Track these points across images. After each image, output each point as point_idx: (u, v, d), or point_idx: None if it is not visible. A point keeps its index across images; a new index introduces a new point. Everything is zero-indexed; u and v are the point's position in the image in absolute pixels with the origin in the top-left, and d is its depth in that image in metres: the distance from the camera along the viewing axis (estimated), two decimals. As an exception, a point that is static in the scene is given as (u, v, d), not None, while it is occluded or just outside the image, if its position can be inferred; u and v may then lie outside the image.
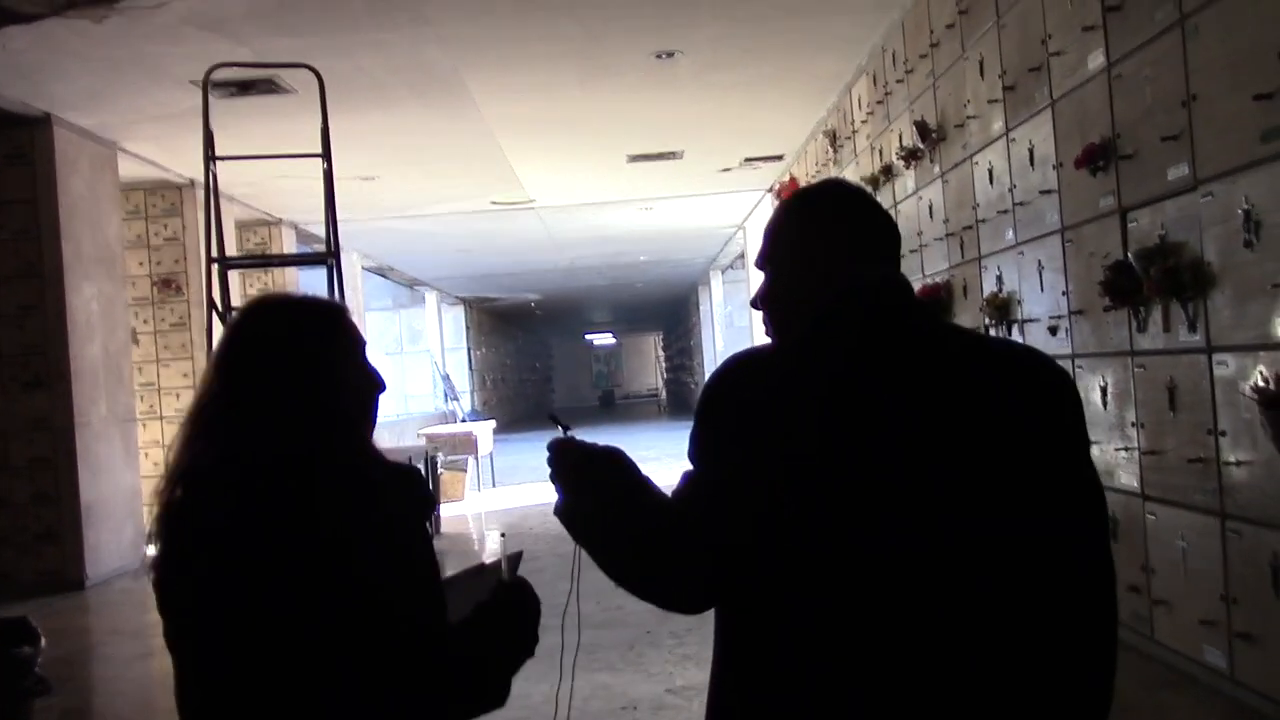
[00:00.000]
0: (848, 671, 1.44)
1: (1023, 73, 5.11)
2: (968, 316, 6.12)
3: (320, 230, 14.54)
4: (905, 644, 1.43)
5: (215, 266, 5.25)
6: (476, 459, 13.50)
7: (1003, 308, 5.53)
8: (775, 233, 1.69)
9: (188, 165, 10.27)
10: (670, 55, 7.73)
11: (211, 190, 5.35)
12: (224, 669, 1.61)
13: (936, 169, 6.54)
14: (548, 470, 1.66)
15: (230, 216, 11.66)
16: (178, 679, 1.68)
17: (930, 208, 6.72)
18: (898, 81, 7.20)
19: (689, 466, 1.60)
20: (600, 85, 8.42)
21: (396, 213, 13.64)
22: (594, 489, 1.62)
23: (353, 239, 15.55)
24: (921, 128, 6.52)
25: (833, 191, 1.73)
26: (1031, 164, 5.10)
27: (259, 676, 1.58)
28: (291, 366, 1.72)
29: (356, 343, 1.81)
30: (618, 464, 1.63)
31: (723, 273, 24.13)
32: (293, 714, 1.58)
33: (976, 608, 1.44)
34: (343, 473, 1.67)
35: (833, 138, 9.41)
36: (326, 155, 5.48)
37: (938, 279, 6.60)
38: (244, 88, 7.80)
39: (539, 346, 41.96)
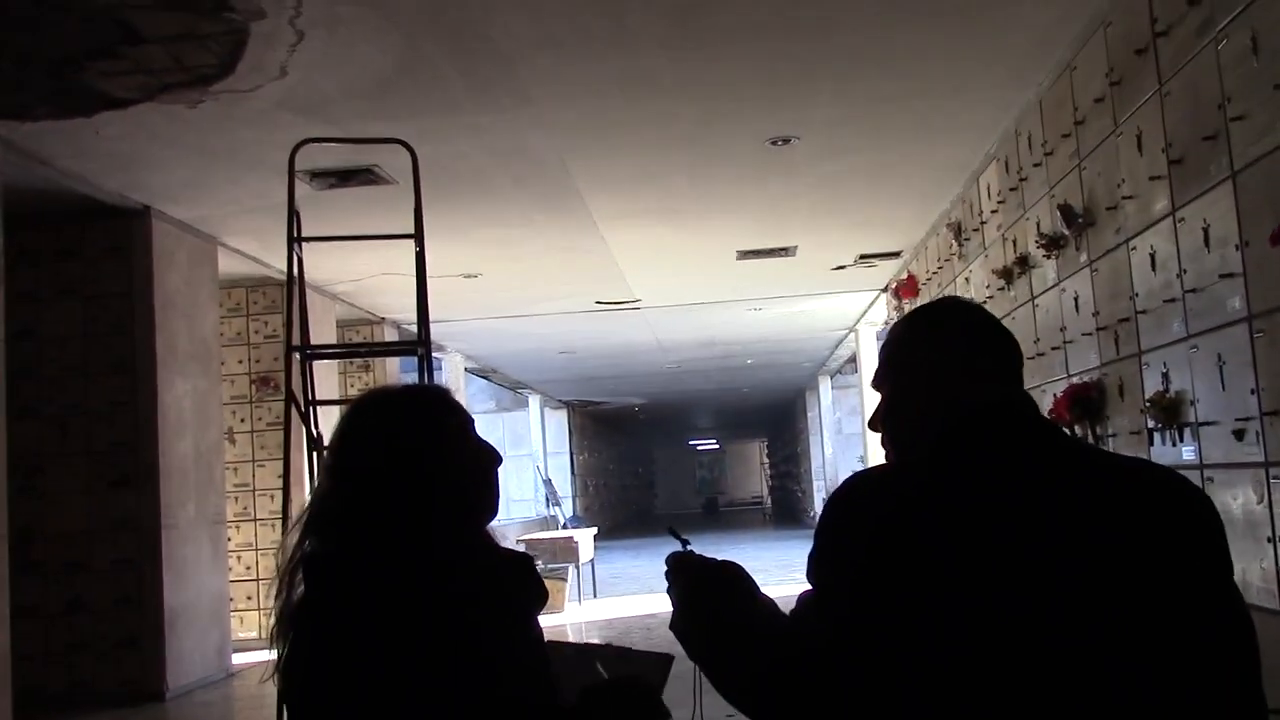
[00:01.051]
0: None
1: (1193, 144, 4.53)
2: (1125, 419, 5.46)
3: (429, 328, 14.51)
4: None
5: (296, 356, 4.85)
6: (578, 567, 12.97)
7: (1171, 409, 4.87)
8: (893, 351, 1.68)
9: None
10: (785, 141, 7.29)
11: (296, 275, 4.98)
12: None
13: (1083, 257, 5.94)
14: (665, 584, 1.66)
15: (331, 315, 11.51)
16: None
17: (1076, 300, 6.10)
18: (1034, 165, 6.65)
19: (806, 586, 1.53)
20: (711, 174, 8.02)
21: (499, 312, 13.38)
22: (710, 606, 1.59)
23: (455, 339, 15.36)
24: (1066, 212, 5.94)
25: (951, 307, 1.71)
26: (1206, 245, 4.48)
27: None
28: (394, 458, 1.74)
29: (464, 421, 1.83)
30: (735, 581, 1.61)
31: (832, 378, 23.50)
32: None
33: None
34: (455, 562, 1.70)
35: (957, 230, 8.84)
36: (419, 235, 5.11)
37: (1087, 378, 5.95)
38: (344, 178, 7.55)
39: (642, 451, 41.58)
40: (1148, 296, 5.11)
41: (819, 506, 25.67)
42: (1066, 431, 1.91)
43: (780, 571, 12.81)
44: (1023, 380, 1.63)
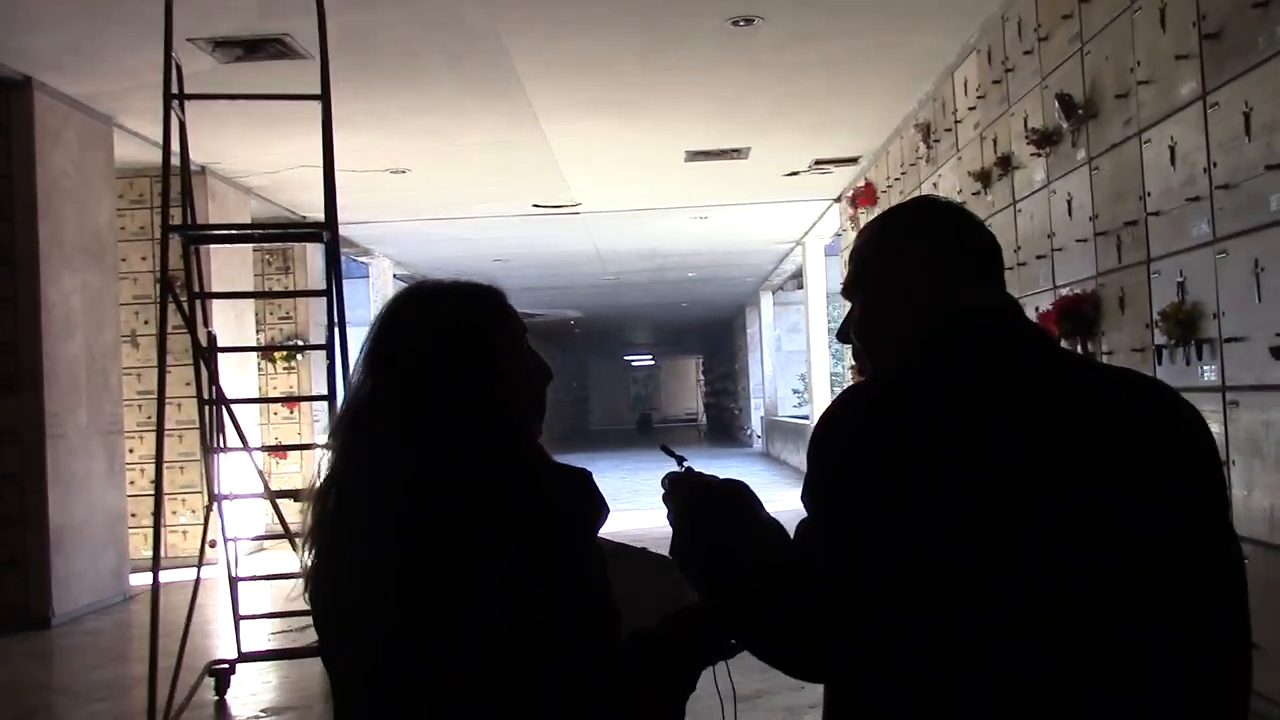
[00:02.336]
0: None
1: (1236, 13, 3.90)
2: (1126, 335, 4.89)
3: (352, 231, 13.62)
4: (1050, 700, 1.31)
5: (177, 239, 4.09)
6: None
7: (1188, 323, 4.29)
8: (866, 256, 1.58)
9: (199, 148, 9.21)
10: (749, 22, 6.55)
11: (176, 144, 4.20)
12: (385, 686, 1.51)
13: (1081, 154, 5.32)
14: (664, 508, 1.59)
15: (245, 212, 10.62)
16: (335, 697, 1.62)
17: (1070, 203, 5.49)
18: (1025, 53, 5.98)
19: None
20: (665, 60, 7.25)
21: (430, 214, 12.56)
22: (711, 531, 1.50)
23: (383, 243, 14.52)
24: (1065, 103, 5.30)
25: (928, 207, 1.61)
26: (1248, 133, 3.87)
27: (426, 691, 1.49)
28: (457, 360, 1.59)
29: (521, 328, 1.69)
30: (739, 504, 1.52)
31: (774, 294, 22.94)
32: None
33: (1119, 665, 1.32)
34: (515, 478, 1.54)
35: (926, 131, 8.19)
36: (325, 96, 4.34)
37: (1079, 289, 5.37)
38: (251, 49, 6.70)
39: (577, 366, 41.04)
40: (1163, 196, 4.51)
41: (756, 424, 25.33)
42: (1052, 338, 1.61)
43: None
44: (1003, 282, 1.54)
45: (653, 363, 46.25)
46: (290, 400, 11.79)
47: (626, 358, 44.75)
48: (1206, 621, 1.37)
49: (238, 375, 10.35)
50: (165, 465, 9.77)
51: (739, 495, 1.53)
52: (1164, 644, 1.34)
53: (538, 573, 1.47)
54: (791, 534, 1.44)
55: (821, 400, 16.00)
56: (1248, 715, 1.42)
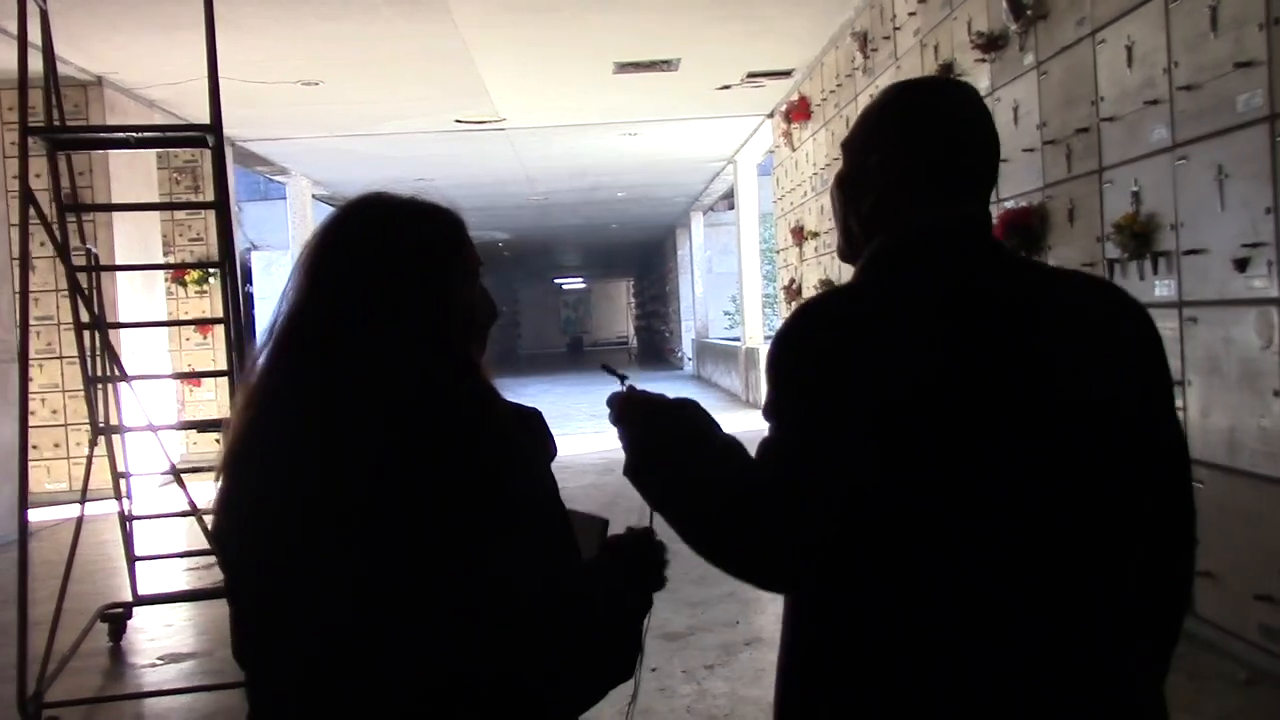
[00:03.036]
0: (971, 630, 1.35)
1: (1203, -102, 3.61)
2: (1075, 249, 4.65)
3: (265, 148, 13.00)
4: (1027, 595, 1.35)
5: (37, 142, 3.65)
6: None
7: (1143, 236, 4.06)
8: (862, 130, 1.54)
9: (94, 56, 8.62)
10: (679, -82, 6.14)
11: (44, 45, 3.74)
12: (293, 631, 1.38)
13: (1029, 59, 5.04)
14: (613, 427, 1.53)
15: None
16: (235, 638, 1.46)
17: (1015, 111, 5.22)
18: (970, -48, 5.67)
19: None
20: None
21: (346, 130, 12.00)
22: (670, 443, 1.46)
23: (298, 161, 13.94)
24: (1013, 2, 5.00)
25: (930, 95, 1.55)
26: (1214, 27, 3.60)
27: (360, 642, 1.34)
28: (415, 278, 1.46)
29: (475, 260, 1.55)
30: (694, 416, 1.48)
31: (705, 214, 22.60)
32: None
33: (1088, 545, 1.38)
34: (471, 408, 1.41)
35: (863, 40, 7.86)
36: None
37: (1024, 202, 5.12)
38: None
39: (505, 289, 40.51)
40: (1118, 100, 4.25)
41: (687, 347, 25.13)
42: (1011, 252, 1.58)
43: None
44: (992, 186, 1.53)
45: (584, 286, 45.82)
46: (193, 324, 11.27)
47: (557, 281, 44.26)
48: (1155, 509, 1.47)
49: (145, 299, 9.85)
50: (68, 395, 9.34)
51: (694, 412, 1.49)
52: (1117, 532, 1.40)
53: (509, 510, 1.38)
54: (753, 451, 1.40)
55: (754, 322, 15.78)
56: (1189, 600, 1.53)
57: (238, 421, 1.45)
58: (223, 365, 11.55)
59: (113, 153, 8.87)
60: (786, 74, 10.21)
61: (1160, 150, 3.95)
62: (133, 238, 9.53)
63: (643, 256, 34.40)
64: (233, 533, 1.46)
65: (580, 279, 44.62)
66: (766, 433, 1.39)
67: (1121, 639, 1.40)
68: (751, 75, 10.27)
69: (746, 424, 12.45)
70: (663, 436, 1.47)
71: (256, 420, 1.43)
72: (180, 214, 11.60)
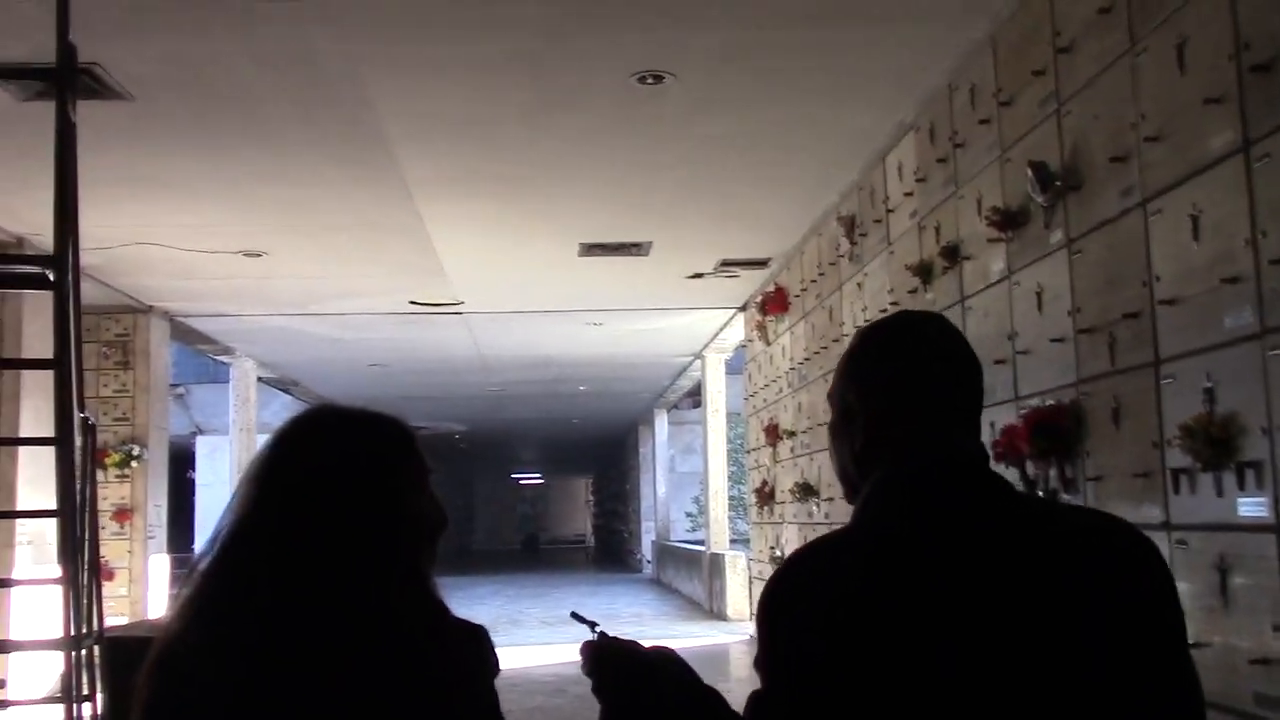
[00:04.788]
0: None
1: (1295, 37, 3.00)
2: (1125, 456, 3.89)
3: (208, 325, 12.23)
4: None
5: None
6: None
7: (1222, 442, 3.30)
8: (844, 367, 1.57)
9: (12, 215, 7.93)
10: (658, 79, 5.57)
11: None
12: None
13: (1057, 236, 4.39)
14: (589, 681, 1.50)
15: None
16: None
17: (1039, 295, 4.55)
18: (981, 122, 5.10)
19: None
20: (558, 122, 6.22)
21: (295, 308, 11.30)
22: (651, 706, 1.46)
23: (245, 340, 13.20)
24: (1039, 172, 4.38)
25: (905, 332, 1.56)
26: (1317, 188, 2.94)
27: None
28: (365, 489, 1.50)
29: (425, 468, 1.60)
30: (674, 672, 1.48)
31: (669, 411, 21.94)
32: None
33: None
34: (412, 622, 1.46)
35: (850, 225, 7.29)
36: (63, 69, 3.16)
37: (1050, 400, 4.39)
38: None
39: (461, 483, 39.49)
40: (1180, 278, 3.56)
41: (647, 549, 24.11)
42: (1014, 486, 1.49)
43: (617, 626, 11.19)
44: (979, 418, 1.53)
45: (541, 481, 44.86)
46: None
47: (514, 476, 43.29)
48: None
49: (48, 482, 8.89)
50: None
51: (671, 664, 1.49)
52: None
53: None
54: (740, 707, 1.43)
55: (719, 526, 14.93)
56: None
57: (170, 625, 1.44)
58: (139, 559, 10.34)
59: (25, 308, 8.13)
60: (763, 263, 9.66)
61: (1243, 338, 3.24)
62: (42, 413, 8.63)
63: (603, 453, 33.64)
64: None
65: (538, 474, 43.69)
66: (758, 686, 1.43)
67: None
68: (726, 264, 9.71)
69: (709, 637, 11.46)
70: (644, 698, 1.46)
71: (191, 631, 1.42)
72: (105, 390, 10.75)
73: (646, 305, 11.57)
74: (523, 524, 44.33)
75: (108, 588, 10.48)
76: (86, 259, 8.80)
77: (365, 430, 1.57)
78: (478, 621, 1.53)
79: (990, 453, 4.77)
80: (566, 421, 24.46)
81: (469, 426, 25.06)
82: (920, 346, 1.51)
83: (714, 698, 1.46)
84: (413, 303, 11.10)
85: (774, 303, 9.50)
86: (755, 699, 1.41)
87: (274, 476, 1.50)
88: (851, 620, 1.35)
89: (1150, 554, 1.43)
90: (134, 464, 10.69)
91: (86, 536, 3.39)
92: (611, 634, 1.54)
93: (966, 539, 1.39)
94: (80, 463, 3.35)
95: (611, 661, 1.49)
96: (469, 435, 26.98)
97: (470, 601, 18.60)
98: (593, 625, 1.59)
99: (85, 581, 3.59)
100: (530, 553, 38.95)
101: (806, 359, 8.57)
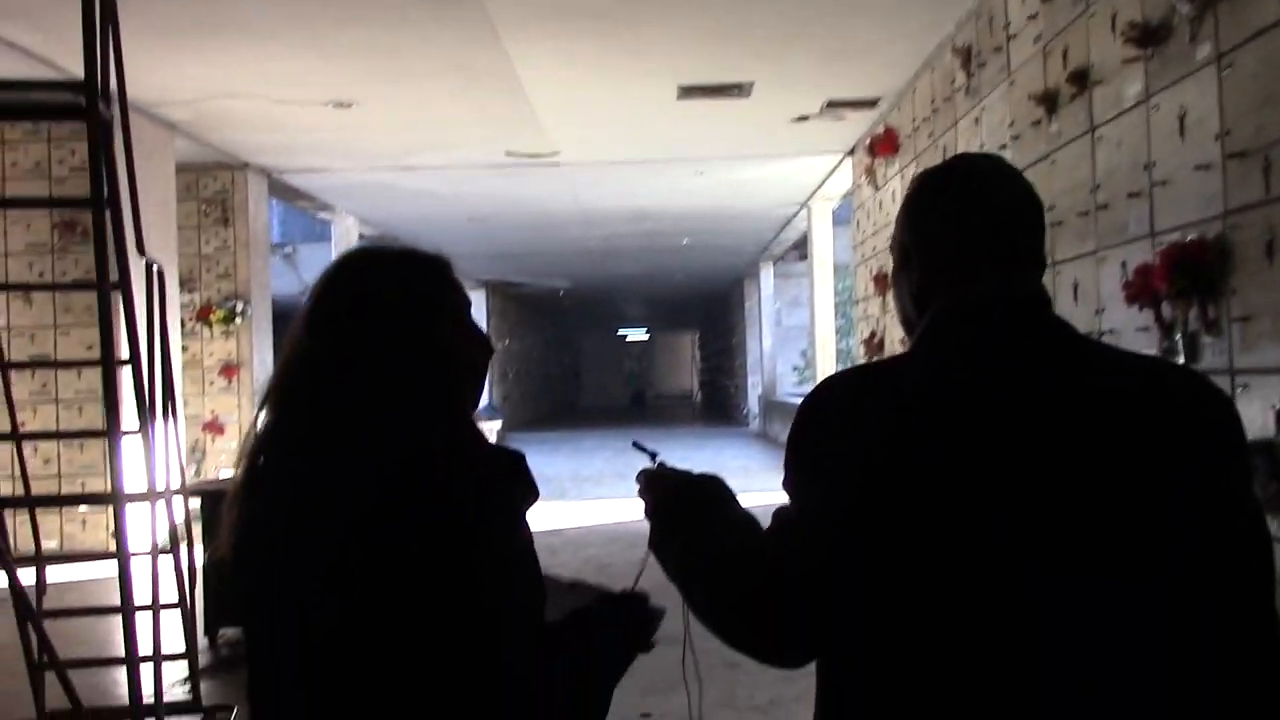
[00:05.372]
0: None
1: None
2: (1277, 294, 3.49)
3: (304, 180, 12.12)
4: (1039, 705, 1.29)
5: None
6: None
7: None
8: (901, 214, 1.55)
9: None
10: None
11: None
12: (307, 672, 1.47)
13: (1204, 50, 3.91)
14: (640, 503, 1.58)
15: (168, 152, 9.18)
16: (252, 688, 1.55)
17: (1182, 119, 4.09)
18: (1118, -71, 4.56)
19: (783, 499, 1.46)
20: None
21: (388, 161, 11.10)
22: (685, 527, 1.52)
23: (342, 196, 13.08)
24: (1186, -19, 3.88)
25: (965, 173, 1.54)
26: None
27: (347, 678, 1.44)
28: (396, 329, 1.57)
29: (465, 301, 1.67)
30: (715, 495, 1.55)
31: (775, 264, 21.49)
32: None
33: (1122, 667, 1.29)
34: (442, 453, 1.50)
35: (966, 56, 6.77)
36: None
37: (1192, 234, 3.97)
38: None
39: (568, 340, 39.71)
40: (1354, 90, 3.11)
41: (754, 403, 23.97)
42: (1075, 330, 1.45)
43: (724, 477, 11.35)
44: (1040, 258, 1.50)
45: (648, 337, 44.89)
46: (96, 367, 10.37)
47: (620, 332, 43.36)
48: (1231, 606, 1.32)
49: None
50: (63, 443, 8.42)
51: (713, 488, 1.54)
52: (1180, 620, 1.30)
53: (468, 557, 1.43)
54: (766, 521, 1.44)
55: (825, 379, 14.65)
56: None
57: (237, 474, 1.55)
58: (248, 412, 10.50)
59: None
60: (872, 103, 9.13)
61: None
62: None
63: (708, 309, 33.39)
64: (246, 579, 1.53)
65: (645, 329, 43.69)
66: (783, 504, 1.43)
67: None
68: (832, 104, 9.19)
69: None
70: (683, 512, 1.52)
71: (267, 469, 1.53)
72: (206, 248, 10.76)
73: (749, 152, 11.11)
74: (630, 380, 44.51)
75: (219, 441, 10.68)
76: (175, 113, 8.71)
77: (400, 267, 1.62)
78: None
79: (1121, 295, 4.41)
80: (670, 277, 24.19)
81: (572, 283, 24.96)
82: (975, 186, 1.49)
83: (749, 518, 1.51)
84: (509, 153, 10.82)
85: (884, 144, 9.00)
86: (779, 516, 1.43)
87: (314, 318, 1.57)
88: (896, 451, 1.34)
89: (1219, 409, 1.40)
90: (238, 320, 10.75)
91: (159, 387, 3.23)
92: (670, 465, 1.62)
93: (1021, 380, 1.37)
94: (147, 310, 3.17)
95: (661, 484, 1.58)
96: (572, 292, 26.93)
97: (579, 455, 18.72)
98: (653, 455, 1.68)
99: (165, 434, 3.46)
100: (637, 408, 39.24)
101: (918, 203, 8.11)
